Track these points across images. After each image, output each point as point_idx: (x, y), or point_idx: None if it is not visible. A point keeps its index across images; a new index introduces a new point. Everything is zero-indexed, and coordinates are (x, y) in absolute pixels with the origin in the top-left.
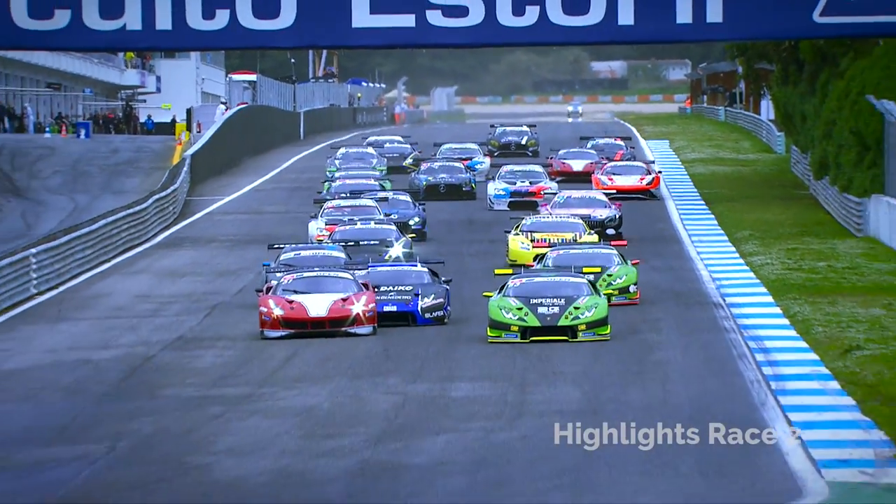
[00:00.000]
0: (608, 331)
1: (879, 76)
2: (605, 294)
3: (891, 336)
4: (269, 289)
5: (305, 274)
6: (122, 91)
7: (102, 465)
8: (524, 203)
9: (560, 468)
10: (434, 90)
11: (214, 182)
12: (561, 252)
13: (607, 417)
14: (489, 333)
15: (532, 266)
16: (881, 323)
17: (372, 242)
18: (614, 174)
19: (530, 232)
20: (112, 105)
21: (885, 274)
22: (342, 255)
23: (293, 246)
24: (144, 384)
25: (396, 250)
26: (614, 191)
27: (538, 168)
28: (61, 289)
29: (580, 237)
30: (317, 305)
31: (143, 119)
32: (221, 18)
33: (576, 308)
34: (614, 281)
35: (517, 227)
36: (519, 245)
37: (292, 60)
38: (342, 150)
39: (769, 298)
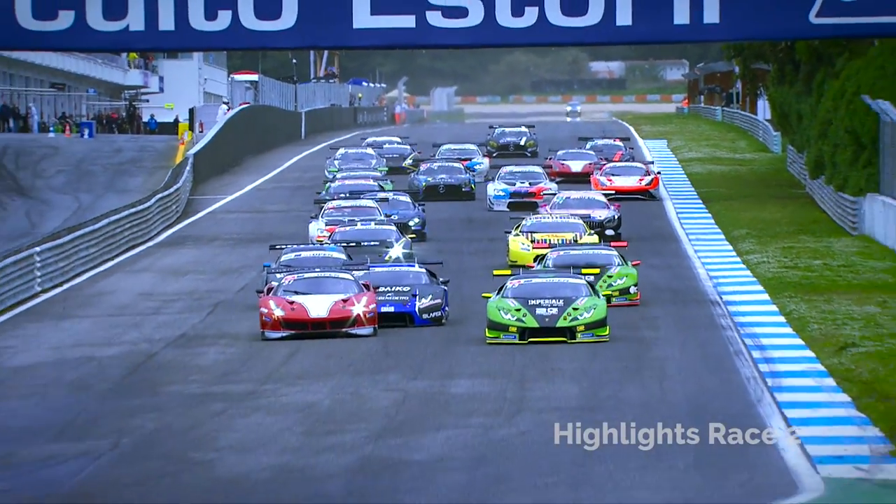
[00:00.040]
0: (607, 332)
1: (874, 76)
2: (604, 295)
3: (886, 333)
4: (269, 290)
5: (306, 275)
6: (126, 91)
7: (106, 461)
8: (524, 204)
9: (559, 464)
10: (434, 90)
11: (217, 181)
12: (561, 253)
13: (606, 414)
14: (487, 334)
15: (532, 267)
16: (876, 320)
17: (372, 243)
18: (613, 175)
19: (530, 233)
20: (115, 105)
21: (879, 272)
22: (343, 256)
23: (294, 247)
24: (147, 381)
25: (396, 251)
26: (613, 191)
27: (538, 169)
28: (65, 287)
29: (580, 238)
30: (317, 306)
31: (146, 119)
32: (224, 19)
33: (574, 309)
34: (615, 282)
35: (517, 227)
36: (519, 246)
37: (294, 61)
38: (341, 151)
39: (765, 296)
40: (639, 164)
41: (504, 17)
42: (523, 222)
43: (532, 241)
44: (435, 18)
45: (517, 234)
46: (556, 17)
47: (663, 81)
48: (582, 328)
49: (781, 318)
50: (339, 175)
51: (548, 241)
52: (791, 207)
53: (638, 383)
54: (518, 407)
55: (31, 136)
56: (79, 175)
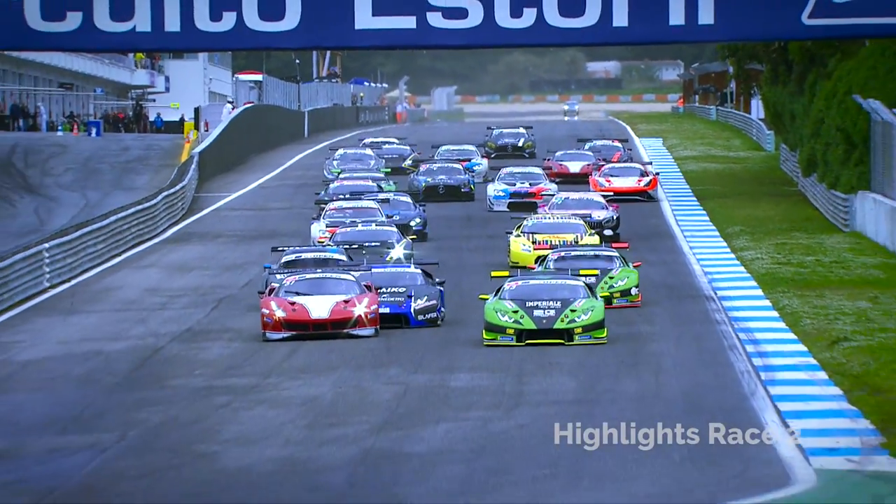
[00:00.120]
0: (604, 334)
1: (866, 76)
2: (605, 296)
3: (877, 328)
4: (271, 290)
5: (308, 276)
6: (132, 91)
7: (113, 453)
8: (523, 204)
9: (557, 456)
10: (434, 90)
11: (221, 179)
12: (562, 255)
13: (603, 408)
14: (485, 336)
15: (533, 268)
16: (867, 315)
17: (373, 244)
18: (612, 176)
19: (531, 233)
20: (122, 104)
21: (870, 268)
22: (343, 257)
23: (295, 248)
24: (154, 375)
25: (397, 252)
26: (612, 192)
27: (537, 170)
28: (73, 282)
29: (581, 238)
30: (319, 307)
31: (152, 118)
32: (228, 20)
33: (572, 311)
34: (616, 283)
35: (518, 228)
36: (520, 247)
37: (297, 61)
38: (340, 151)
39: (759, 292)
40: (637, 165)
41: (503, 18)
42: (524, 223)
43: (533, 242)
44: (435, 19)
45: (518, 235)
46: (553, 18)
47: (659, 81)
48: (579, 330)
49: (775, 313)
50: (340, 175)
51: (549, 243)
52: (784, 205)
53: (634, 377)
54: (516, 401)
55: (40, 134)
56: (86, 173)
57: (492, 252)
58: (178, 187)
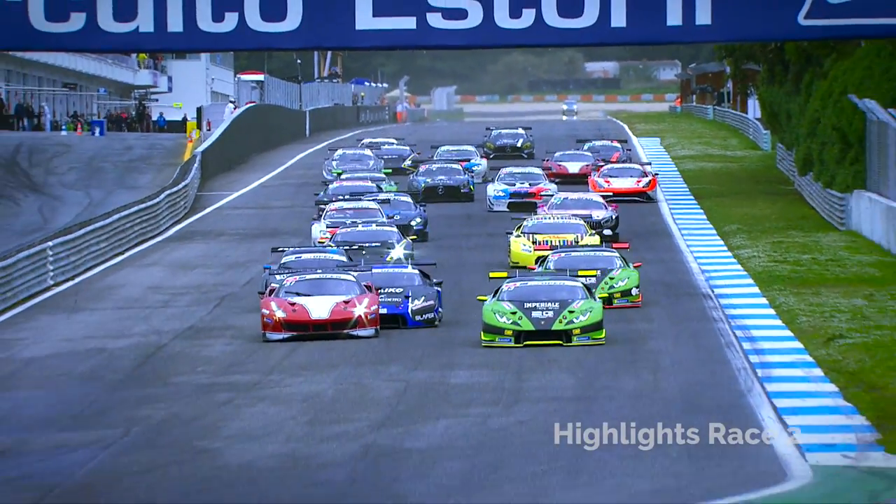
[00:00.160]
0: (603, 335)
1: (861, 76)
2: (605, 297)
3: (872, 325)
4: (271, 291)
5: (308, 276)
6: (135, 90)
7: (116, 449)
8: (523, 204)
9: (555, 452)
10: (434, 90)
11: (224, 178)
12: (562, 255)
13: (601, 405)
14: (483, 337)
15: (534, 269)
16: (863, 313)
17: (373, 245)
18: (611, 177)
19: (532, 234)
20: (125, 104)
21: (866, 266)
22: (343, 258)
23: (295, 249)
24: (157, 372)
25: (398, 252)
26: (611, 193)
27: (537, 170)
28: (77, 280)
29: (581, 239)
30: (319, 308)
31: (155, 117)
32: (230, 21)
33: (570, 312)
34: (616, 284)
35: (519, 228)
36: (521, 247)
37: (298, 61)
38: (339, 152)
39: (756, 289)
40: (636, 166)
41: (502, 19)
42: (524, 223)
43: (534, 243)
44: (435, 20)
45: (518, 236)
46: (552, 18)
47: (657, 81)
48: (578, 331)
49: (771, 311)
50: (342, 176)
51: (549, 243)
52: (780, 203)
53: (632, 374)
54: (515, 397)
55: (44, 134)
56: (90, 172)
57: (491, 250)
58: (180, 186)
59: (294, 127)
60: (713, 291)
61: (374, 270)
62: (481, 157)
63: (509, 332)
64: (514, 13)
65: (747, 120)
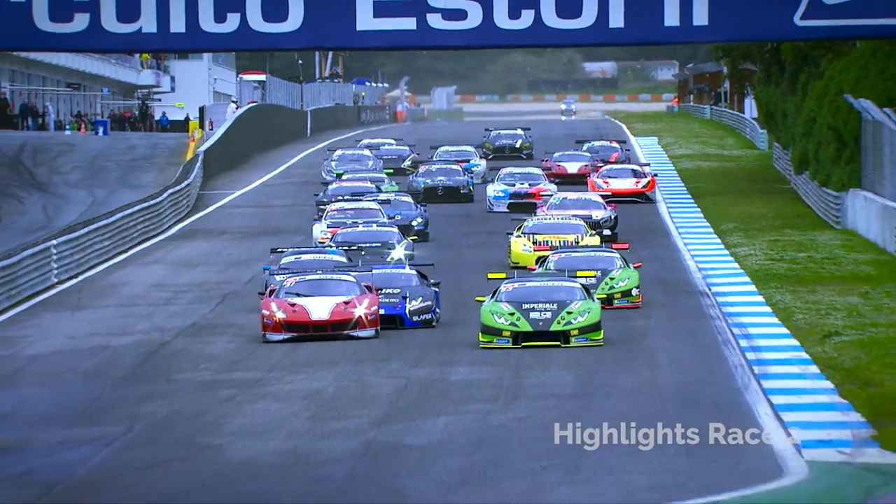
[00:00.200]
0: (601, 336)
1: (857, 76)
2: (604, 297)
3: (867, 323)
4: (271, 292)
5: (308, 277)
6: (139, 90)
7: (120, 445)
8: (523, 205)
9: (554, 448)
10: (434, 89)
11: (226, 177)
12: (562, 255)
13: (600, 402)
14: (481, 339)
15: (534, 269)
16: (858, 310)
17: (374, 245)
18: (610, 177)
19: (532, 234)
20: (129, 104)
21: (862, 264)
22: (343, 259)
23: (294, 250)
24: (159, 369)
25: (398, 253)
26: (610, 194)
27: (537, 170)
28: (80, 278)
29: (582, 239)
30: (319, 308)
31: (158, 117)
32: (232, 22)
33: (568, 313)
34: (616, 284)
35: (519, 228)
36: (521, 247)
37: (300, 61)
38: (339, 152)
39: (752, 287)
40: (635, 167)
41: (501, 20)
42: (524, 223)
43: (534, 243)
44: (435, 21)
45: (519, 236)
46: (551, 19)
47: (654, 81)
48: (576, 332)
49: (768, 309)
50: (343, 176)
51: (549, 243)
52: (777, 202)
53: (630, 371)
54: (514, 394)
55: (48, 133)
56: (93, 171)
57: (491, 249)
58: (183, 185)
59: (295, 126)
60: (710, 289)
61: (375, 270)
62: (480, 157)
63: (507, 334)
64: (514, 14)
65: (744, 119)
